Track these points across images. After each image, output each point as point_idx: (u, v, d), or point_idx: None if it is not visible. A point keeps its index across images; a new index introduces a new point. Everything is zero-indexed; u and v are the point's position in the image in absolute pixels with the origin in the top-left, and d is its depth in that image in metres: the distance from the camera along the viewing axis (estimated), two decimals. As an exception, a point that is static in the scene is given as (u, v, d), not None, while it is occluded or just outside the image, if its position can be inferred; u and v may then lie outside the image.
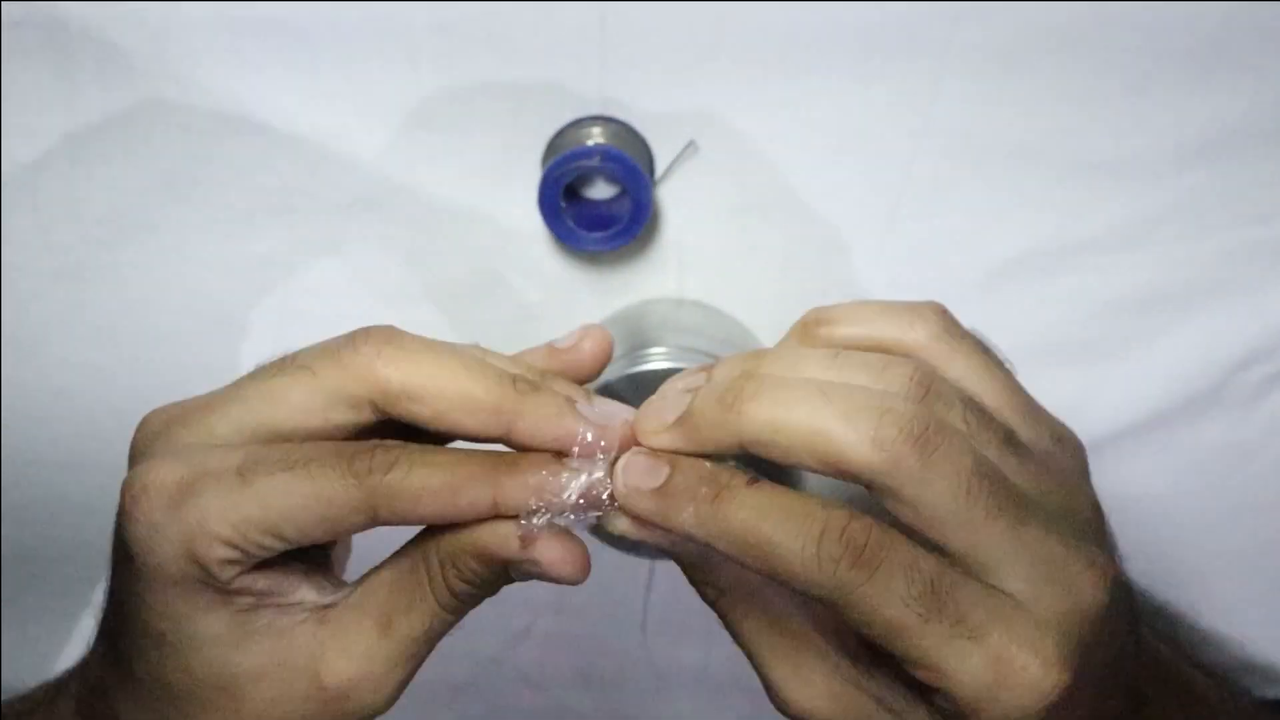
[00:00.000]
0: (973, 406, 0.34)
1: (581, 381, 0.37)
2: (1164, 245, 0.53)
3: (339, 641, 0.36)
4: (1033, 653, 0.32)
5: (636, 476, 0.34)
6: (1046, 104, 0.51)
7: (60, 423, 0.56)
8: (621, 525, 0.34)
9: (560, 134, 0.52)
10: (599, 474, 0.34)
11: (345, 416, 0.35)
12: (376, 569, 0.37)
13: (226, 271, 0.54)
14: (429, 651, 0.37)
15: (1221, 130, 0.51)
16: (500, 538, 0.35)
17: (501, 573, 0.36)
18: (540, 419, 0.35)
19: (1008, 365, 0.37)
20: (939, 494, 0.32)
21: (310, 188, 0.52)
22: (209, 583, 0.35)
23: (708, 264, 0.54)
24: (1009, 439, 0.35)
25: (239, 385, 0.36)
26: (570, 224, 0.51)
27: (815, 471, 0.33)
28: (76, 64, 0.50)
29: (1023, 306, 0.54)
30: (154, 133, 0.51)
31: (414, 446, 0.34)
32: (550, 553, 0.35)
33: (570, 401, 0.35)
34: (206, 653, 0.36)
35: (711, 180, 0.52)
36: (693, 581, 0.37)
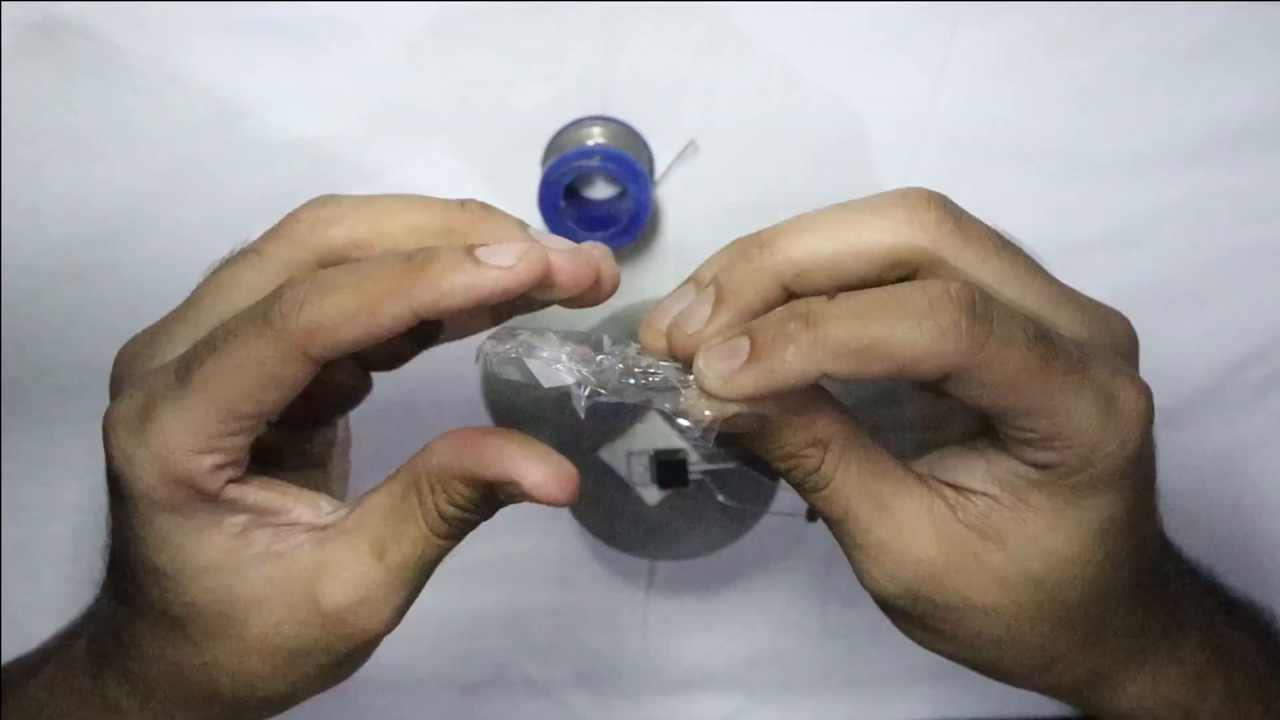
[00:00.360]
0: (996, 237, 0.35)
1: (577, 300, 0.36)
2: (1164, 245, 0.53)
3: (335, 567, 0.36)
4: (1122, 376, 0.34)
5: (721, 362, 0.32)
6: (1047, 104, 0.51)
7: (60, 421, 0.56)
8: (703, 404, 0.33)
9: (560, 134, 0.52)
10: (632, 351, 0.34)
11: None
12: (370, 492, 0.36)
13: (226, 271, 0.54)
14: (426, 577, 0.37)
15: (1221, 130, 0.51)
16: (481, 461, 0.34)
17: (491, 496, 0.35)
18: (497, 234, 0.34)
19: (1029, 254, 0.37)
20: (980, 252, 0.34)
21: (310, 188, 0.52)
22: (198, 500, 0.34)
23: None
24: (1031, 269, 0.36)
25: (196, 289, 0.36)
26: (570, 224, 0.51)
27: (864, 284, 0.33)
28: (76, 64, 0.50)
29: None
30: (154, 133, 0.51)
31: (322, 274, 0.33)
32: (533, 474, 0.34)
33: (521, 224, 0.35)
34: (205, 581, 0.35)
35: (711, 180, 0.52)
36: (779, 459, 0.35)
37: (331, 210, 0.35)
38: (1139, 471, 0.34)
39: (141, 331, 0.37)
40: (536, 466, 0.34)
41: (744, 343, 0.32)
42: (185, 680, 0.37)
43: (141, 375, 0.35)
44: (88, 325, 0.55)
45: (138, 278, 0.54)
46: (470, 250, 0.32)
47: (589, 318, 0.55)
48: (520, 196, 0.52)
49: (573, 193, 0.53)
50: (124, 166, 0.52)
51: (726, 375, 0.32)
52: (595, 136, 0.51)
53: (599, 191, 0.53)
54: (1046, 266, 0.37)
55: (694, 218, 0.53)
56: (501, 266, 0.32)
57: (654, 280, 0.55)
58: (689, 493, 0.53)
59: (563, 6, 0.49)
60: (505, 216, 0.35)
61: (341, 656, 0.37)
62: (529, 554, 0.60)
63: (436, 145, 0.52)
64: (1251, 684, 0.41)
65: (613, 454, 0.52)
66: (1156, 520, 0.38)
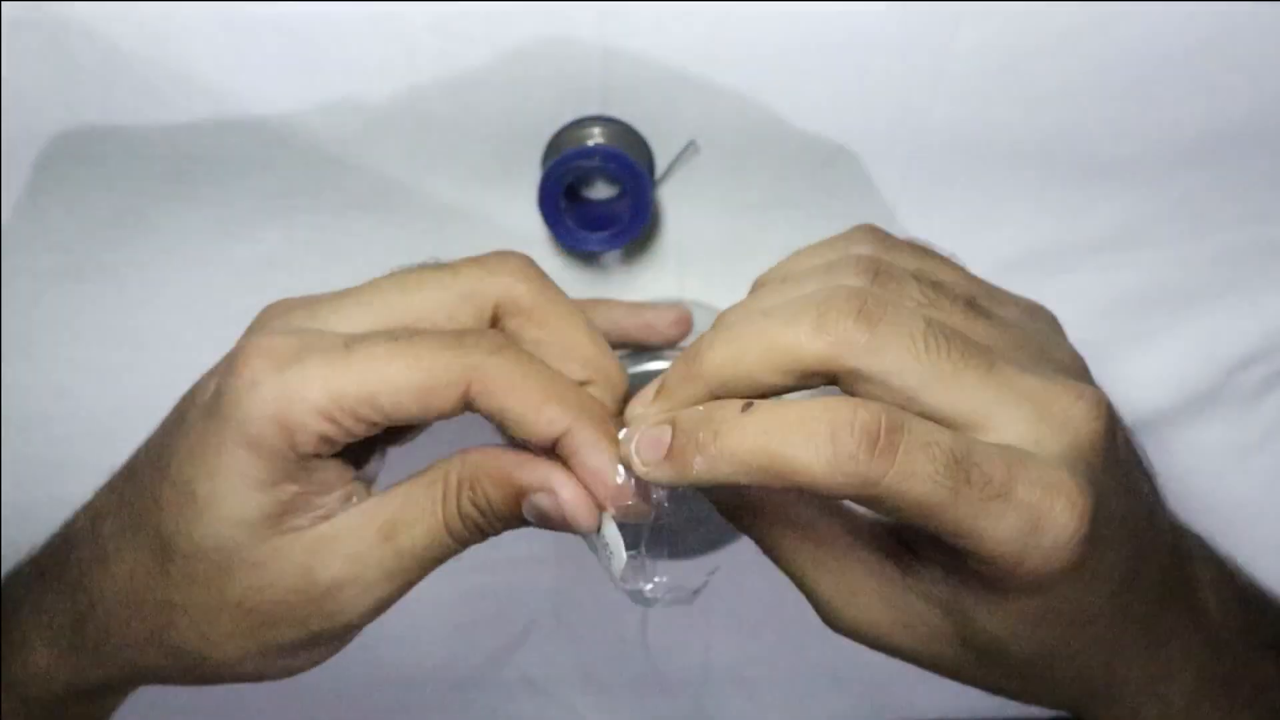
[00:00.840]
0: (928, 280, 0.35)
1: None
2: (1164, 245, 0.53)
3: (338, 541, 0.36)
4: (1056, 493, 0.32)
5: (648, 449, 0.35)
6: (1047, 104, 0.51)
7: (60, 423, 0.56)
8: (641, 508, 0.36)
9: (560, 134, 0.52)
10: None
11: (469, 318, 0.37)
12: (398, 483, 0.37)
13: (226, 271, 0.54)
14: (422, 575, 0.37)
15: (1221, 130, 0.51)
16: (520, 464, 0.36)
17: (514, 507, 0.36)
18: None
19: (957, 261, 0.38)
20: (897, 358, 0.33)
21: (310, 188, 0.52)
22: (280, 456, 0.35)
23: (708, 264, 0.54)
24: (971, 304, 0.35)
25: (375, 280, 0.37)
26: (570, 224, 0.51)
27: (787, 390, 0.34)
28: (76, 64, 0.50)
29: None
30: (154, 133, 0.51)
31: (525, 353, 0.36)
32: (567, 489, 0.35)
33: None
34: (222, 528, 0.36)
35: (711, 180, 0.52)
36: (727, 516, 0.38)
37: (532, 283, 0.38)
38: (1085, 569, 0.34)
39: (302, 296, 0.38)
40: (573, 483, 0.36)
41: (666, 433, 0.34)
42: (139, 613, 0.37)
43: (300, 329, 0.36)
44: (88, 325, 0.55)
45: (138, 278, 0.54)
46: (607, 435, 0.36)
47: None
48: (520, 196, 0.52)
49: (573, 193, 0.53)
50: (124, 166, 0.52)
51: (648, 461, 0.35)
52: (595, 136, 0.51)
53: (599, 191, 0.53)
54: (1042, 268, 0.38)
55: (694, 218, 0.53)
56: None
57: (654, 280, 0.55)
58: (689, 493, 0.52)
59: (563, 6, 0.49)
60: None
61: (311, 636, 0.37)
62: (529, 554, 0.60)
63: (436, 145, 0.52)
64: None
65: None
66: (1142, 575, 0.37)
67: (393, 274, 0.38)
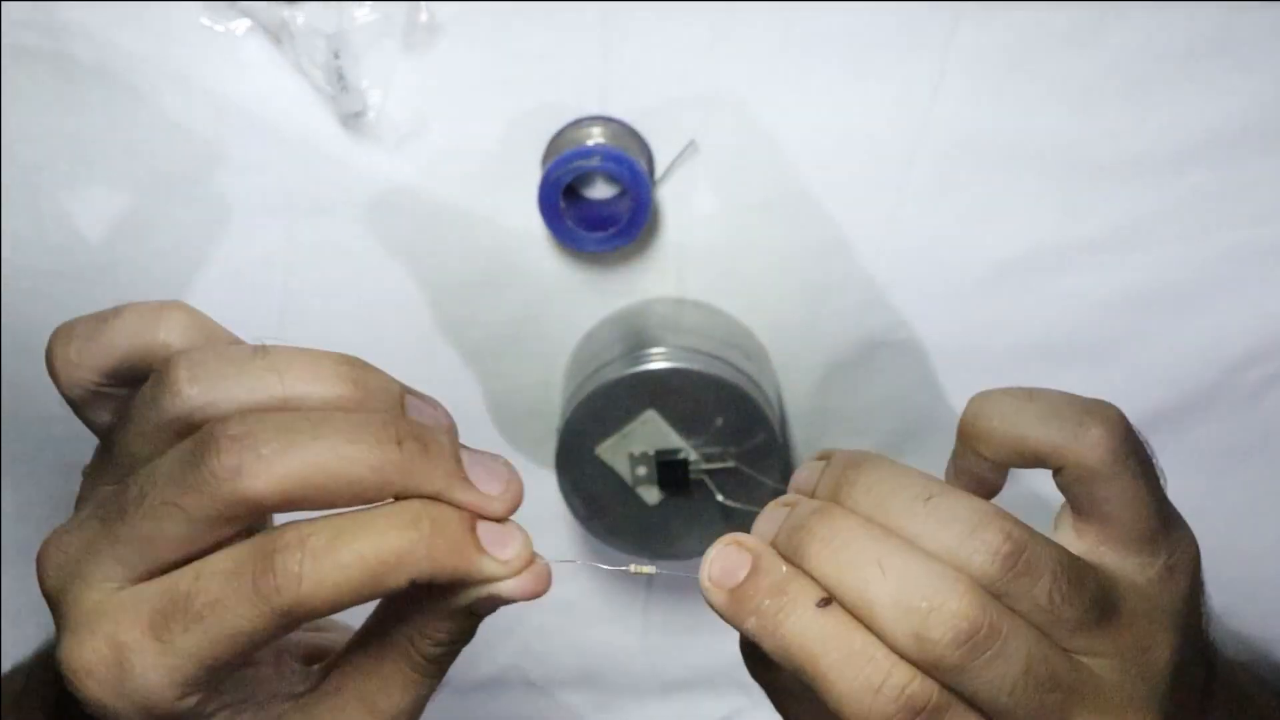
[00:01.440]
0: (1064, 576, 0.33)
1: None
2: (1164, 245, 0.53)
3: None
4: None
5: (720, 572, 0.34)
6: (1047, 103, 0.51)
7: (61, 423, 0.56)
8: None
9: (560, 134, 0.52)
10: None
11: (232, 529, 0.33)
12: (345, 651, 0.36)
13: (226, 271, 0.54)
14: (421, 712, 0.36)
15: (1221, 130, 0.51)
16: (454, 595, 0.34)
17: (472, 620, 0.35)
18: (435, 482, 0.33)
19: (1162, 477, 0.36)
20: (982, 693, 0.32)
21: (310, 188, 0.52)
22: None
23: (708, 264, 0.54)
24: (1095, 605, 0.33)
25: (110, 524, 0.33)
26: (570, 224, 0.51)
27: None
28: (76, 64, 0.50)
29: (1023, 306, 0.54)
30: (154, 133, 0.51)
31: (316, 539, 0.32)
32: (507, 586, 0.33)
33: (457, 474, 0.33)
34: None
35: (712, 180, 0.52)
36: (748, 660, 0.37)
37: (251, 463, 0.31)
38: None
39: (58, 538, 0.35)
40: (509, 581, 0.33)
41: (743, 570, 0.34)
42: None
43: (95, 611, 0.33)
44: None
45: (138, 278, 0.54)
46: (473, 530, 0.33)
47: (589, 320, 0.55)
48: (520, 197, 0.52)
49: (573, 193, 0.53)
50: (124, 166, 0.52)
51: (715, 584, 0.34)
52: (595, 136, 0.51)
53: (599, 191, 0.53)
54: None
55: (694, 218, 0.53)
56: (500, 560, 0.33)
57: (654, 280, 0.55)
58: (689, 492, 0.53)
59: (562, 6, 0.49)
60: (441, 455, 0.33)
61: None
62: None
63: (436, 145, 0.52)
64: None
65: (613, 454, 0.52)
66: None
67: (114, 504, 0.33)
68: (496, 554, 0.33)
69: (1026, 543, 0.33)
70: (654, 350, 0.51)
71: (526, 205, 0.51)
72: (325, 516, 0.32)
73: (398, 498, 0.32)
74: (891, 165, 0.52)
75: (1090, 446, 0.33)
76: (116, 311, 0.35)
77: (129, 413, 0.34)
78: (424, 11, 0.50)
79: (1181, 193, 0.52)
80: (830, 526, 0.33)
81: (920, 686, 0.31)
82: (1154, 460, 0.35)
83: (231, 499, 0.31)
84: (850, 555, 0.32)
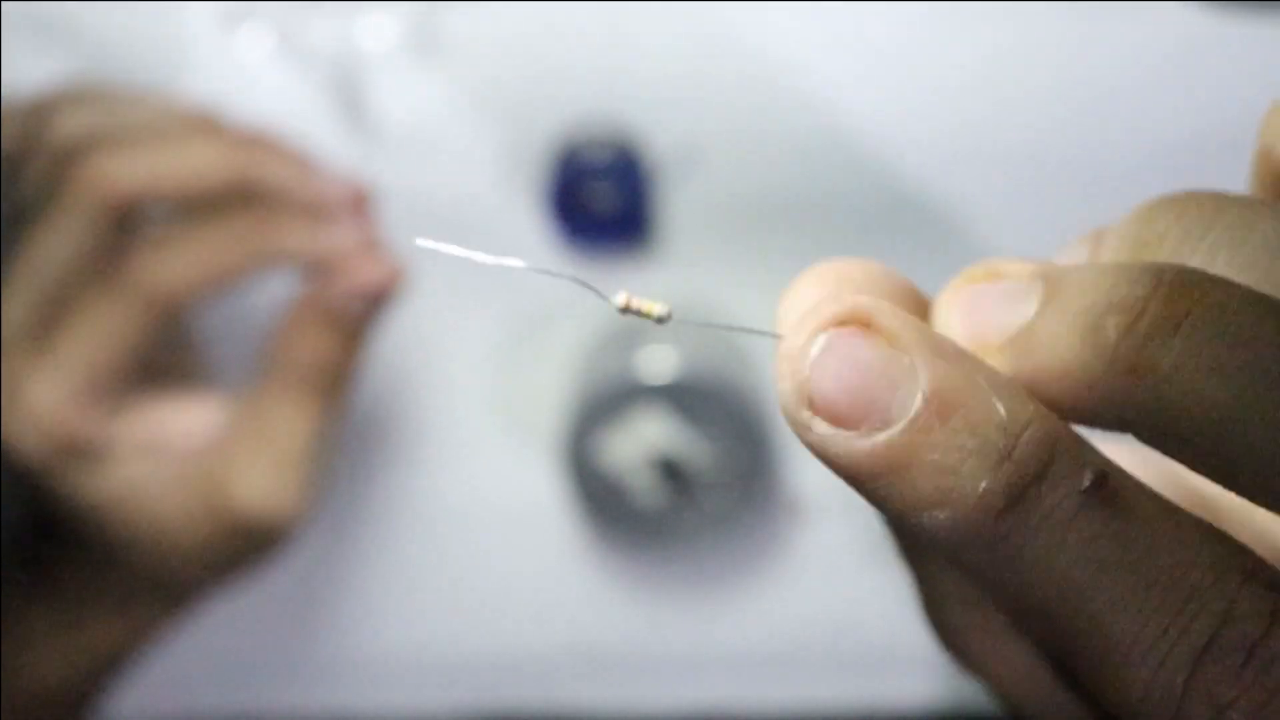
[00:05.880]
0: None
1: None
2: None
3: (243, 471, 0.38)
4: None
5: (843, 390, 0.19)
6: (1046, 104, 0.51)
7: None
8: None
9: (561, 135, 0.52)
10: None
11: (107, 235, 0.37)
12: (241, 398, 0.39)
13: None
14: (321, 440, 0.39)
15: (1220, 131, 0.52)
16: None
17: (349, 332, 0.39)
18: (283, 175, 0.38)
19: None
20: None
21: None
22: (88, 447, 0.36)
23: (709, 265, 0.54)
24: None
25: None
26: (571, 225, 0.51)
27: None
28: (76, 64, 0.50)
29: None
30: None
31: (170, 234, 0.37)
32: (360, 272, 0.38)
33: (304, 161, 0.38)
34: (119, 507, 0.37)
35: (712, 181, 0.52)
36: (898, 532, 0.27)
37: (118, 162, 0.36)
38: None
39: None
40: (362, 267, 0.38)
41: (915, 400, 0.19)
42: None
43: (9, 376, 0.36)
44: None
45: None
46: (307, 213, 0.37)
47: (592, 322, 0.55)
48: (520, 198, 0.52)
49: (573, 195, 0.53)
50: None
51: (824, 396, 0.20)
52: (596, 138, 0.51)
53: (600, 192, 0.53)
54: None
55: (694, 218, 0.53)
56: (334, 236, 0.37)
57: (654, 281, 0.55)
58: (693, 494, 0.53)
59: (565, 8, 0.50)
60: (285, 154, 0.38)
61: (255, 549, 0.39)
62: (529, 556, 0.60)
63: (435, 145, 0.52)
64: None
65: (617, 454, 0.52)
66: None
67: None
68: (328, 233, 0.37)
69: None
70: (661, 351, 0.51)
71: (527, 207, 0.52)
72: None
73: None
74: (891, 166, 0.52)
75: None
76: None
77: (15, 163, 0.39)
78: (428, 18, 0.50)
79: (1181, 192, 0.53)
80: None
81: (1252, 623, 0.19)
82: None
83: (108, 196, 0.35)
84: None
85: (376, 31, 0.51)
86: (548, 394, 0.56)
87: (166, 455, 0.37)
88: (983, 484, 0.18)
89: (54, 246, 0.36)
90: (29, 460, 0.36)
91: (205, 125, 0.38)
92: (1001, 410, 0.19)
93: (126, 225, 0.37)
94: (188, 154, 0.36)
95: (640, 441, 0.52)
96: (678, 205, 0.53)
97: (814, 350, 0.20)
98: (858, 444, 0.19)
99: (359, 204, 0.38)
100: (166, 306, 0.35)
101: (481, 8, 0.50)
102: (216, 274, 0.36)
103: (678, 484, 0.52)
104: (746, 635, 0.63)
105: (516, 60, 0.51)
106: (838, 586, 0.61)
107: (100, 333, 0.35)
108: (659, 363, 0.51)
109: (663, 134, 0.52)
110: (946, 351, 0.19)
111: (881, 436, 0.19)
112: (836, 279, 0.24)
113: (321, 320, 0.37)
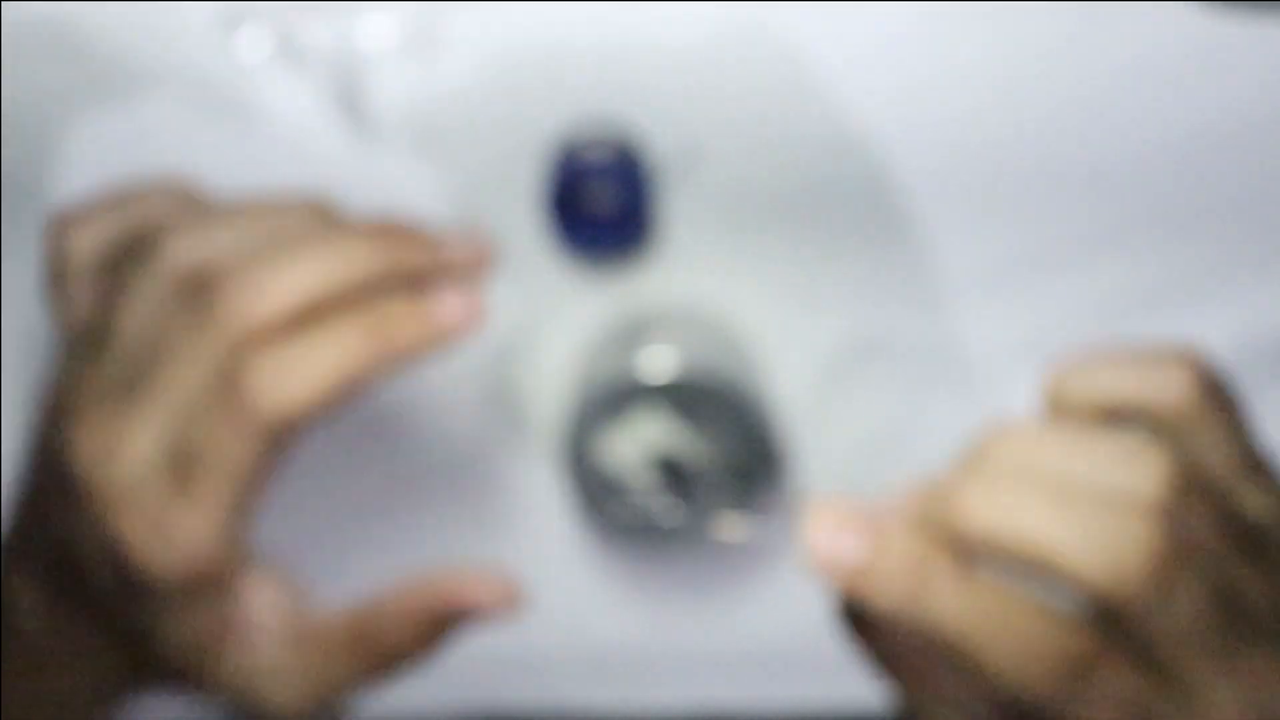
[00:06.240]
0: (1229, 505, 0.31)
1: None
2: (1163, 245, 0.54)
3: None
4: None
5: (833, 552, 0.31)
6: (1047, 104, 0.51)
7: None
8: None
9: (561, 136, 0.52)
10: None
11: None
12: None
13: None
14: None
15: (1221, 131, 0.52)
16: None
17: (435, 635, 0.41)
18: (412, 261, 0.37)
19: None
20: (1169, 623, 0.29)
21: (311, 190, 0.53)
22: (215, 587, 0.37)
23: (710, 268, 0.54)
24: (1257, 545, 0.31)
25: (133, 397, 0.36)
26: (571, 227, 0.51)
27: (1031, 577, 0.30)
28: (77, 64, 0.50)
29: (1021, 307, 0.54)
30: (155, 134, 0.51)
31: (277, 353, 0.35)
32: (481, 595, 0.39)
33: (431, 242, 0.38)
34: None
35: (713, 183, 0.52)
36: (845, 625, 0.35)
37: (253, 291, 0.35)
38: None
39: (87, 423, 0.36)
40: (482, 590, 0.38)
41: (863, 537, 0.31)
42: None
43: (131, 486, 0.35)
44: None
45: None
46: (419, 306, 0.36)
47: (593, 324, 0.55)
48: (520, 200, 0.52)
49: (573, 193, 0.53)
50: (124, 168, 0.52)
51: (830, 552, 0.32)
52: (596, 139, 0.51)
53: (600, 194, 0.53)
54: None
55: (695, 219, 0.53)
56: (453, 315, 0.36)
57: (658, 285, 0.55)
58: (694, 496, 0.52)
59: (563, 6, 0.50)
60: (410, 234, 0.37)
61: None
62: (529, 555, 0.60)
63: (435, 146, 0.52)
64: None
65: (617, 456, 0.52)
66: None
67: (150, 349, 0.36)
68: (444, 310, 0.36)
69: (1191, 468, 0.30)
70: (661, 351, 0.51)
71: (527, 209, 0.52)
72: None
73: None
74: (890, 166, 0.52)
75: (1174, 391, 0.32)
76: (107, 195, 0.38)
77: (124, 288, 0.36)
78: (428, 18, 0.50)
79: (1181, 192, 0.53)
80: (990, 468, 0.30)
81: (1084, 642, 0.29)
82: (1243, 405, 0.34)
83: (242, 333, 0.34)
84: (1019, 494, 0.29)
85: (376, 31, 0.51)
86: (548, 394, 0.56)
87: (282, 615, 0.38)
88: None
89: (185, 378, 0.35)
90: (167, 590, 0.36)
91: (323, 221, 0.37)
92: None
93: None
94: (321, 266, 0.35)
95: (640, 441, 0.52)
96: (678, 205, 0.53)
97: None
98: None
99: (482, 263, 0.37)
100: (282, 430, 0.34)
101: (481, 7, 0.50)
102: (334, 386, 0.34)
103: (679, 484, 0.52)
104: (746, 635, 0.63)
105: (516, 60, 0.51)
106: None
107: (229, 462, 0.34)
108: (659, 362, 0.51)
109: (663, 134, 0.52)
110: None
111: None
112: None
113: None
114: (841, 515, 0.31)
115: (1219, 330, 0.55)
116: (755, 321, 0.55)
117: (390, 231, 0.37)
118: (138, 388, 0.35)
